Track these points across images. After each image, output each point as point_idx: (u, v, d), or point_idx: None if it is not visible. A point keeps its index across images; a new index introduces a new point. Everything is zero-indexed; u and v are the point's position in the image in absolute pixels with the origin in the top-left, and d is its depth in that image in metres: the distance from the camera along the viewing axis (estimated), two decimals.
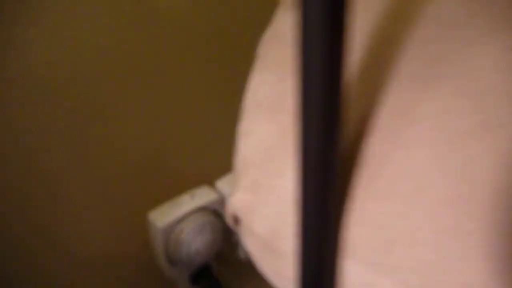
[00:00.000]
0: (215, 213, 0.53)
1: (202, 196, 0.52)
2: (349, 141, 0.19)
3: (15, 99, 0.36)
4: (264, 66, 0.26)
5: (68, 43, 0.37)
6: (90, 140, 0.43)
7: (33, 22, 0.35)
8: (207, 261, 0.54)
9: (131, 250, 0.51)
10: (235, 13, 0.48)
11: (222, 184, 0.55)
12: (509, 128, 0.15)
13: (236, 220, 0.26)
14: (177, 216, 0.49)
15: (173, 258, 0.50)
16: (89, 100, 0.41)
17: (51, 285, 0.45)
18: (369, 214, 0.18)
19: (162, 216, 0.49)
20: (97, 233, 0.47)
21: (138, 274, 0.53)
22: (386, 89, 0.19)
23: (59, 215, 0.43)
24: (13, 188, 0.39)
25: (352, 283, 0.19)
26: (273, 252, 0.23)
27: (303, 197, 0.18)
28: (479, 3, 0.17)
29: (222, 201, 0.53)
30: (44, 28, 0.35)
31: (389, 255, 0.17)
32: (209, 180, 0.55)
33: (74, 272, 0.47)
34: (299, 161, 0.17)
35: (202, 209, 0.51)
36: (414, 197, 0.17)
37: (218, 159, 0.55)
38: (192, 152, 0.52)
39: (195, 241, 0.50)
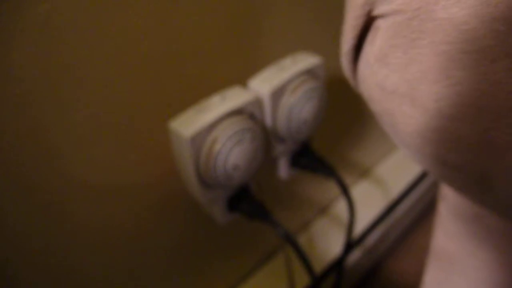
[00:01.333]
0: (253, 117, 0.41)
1: (234, 97, 0.40)
2: None
3: None
4: None
5: None
6: (94, 32, 0.30)
7: None
8: (246, 181, 0.43)
9: (153, 174, 0.40)
10: None
11: (257, 83, 0.43)
12: None
13: (371, 18, 0.13)
14: (207, 122, 0.37)
15: (205, 176, 0.39)
16: None
17: (65, 221, 0.35)
18: None
19: (188, 123, 0.38)
20: (109, 156, 0.36)
21: (163, 205, 0.42)
22: None
23: (64, 137, 0.32)
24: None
25: None
26: (476, 51, 0.11)
27: None
28: None
29: (259, 102, 0.41)
30: None
31: None
32: (240, 81, 0.44)
33: (87, 206, 0.36)
34: None
35: (236, 112, 0.39)
36: None
37: (247, 55, 0.43)
38: (218, 48, 0.40)
39: (232, 153, 0.39)
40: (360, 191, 0.73)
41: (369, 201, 0.71)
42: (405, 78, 0.14)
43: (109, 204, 0.38)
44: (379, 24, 0.14)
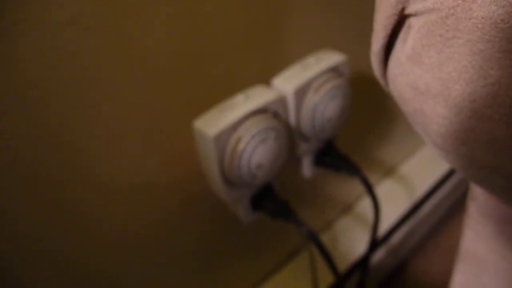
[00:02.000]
0: (276, 116, 0.41)
1: (258, 96, 0.40)
2: None
3: None
4: None
5: None
6: (120, 33, 0.31)
7: None
8: (269, 180, 0.43)
9: (178, 174, 0.40)
10: None
11: (280, 81, 0.43)
12: None
13: (403, 17, 0.13)
14: (231, 121, 0.37)
15: (229, 175, 0.39)
16: None
17: (86, 220, 0.35)
18: None
19: (212, 123, 0.38)
20: (132, 156, 0.36)
21: (187, 204, 0.43)
22: None
23: (89, 138, 0.33)
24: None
25: None
26: None
27: None
28: None
29: (282, 101, 0.41)
30: None
31: None
32: (264, 79, 0.43)
33: (109, 206, 0.37)
34: None
35: (260, 111, 0.39)
36: None
37: (270, 54, 0.43)
38: (242, 47, 0.40)
39: (256, 152, 0.39)
40: (385, 189, 0.72)
41: (394, 199, 0.70)
42: (439, 77, 0.13)
43: (133, 204, 0.38)
44: (412, 23, 0.14)
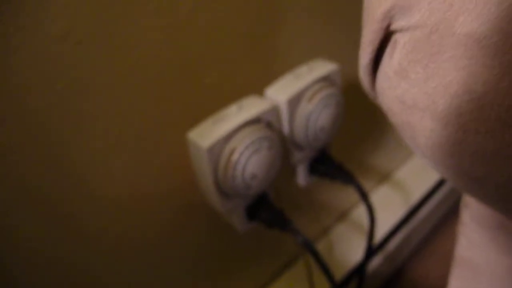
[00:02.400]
0: (270, 126, 0.41)
1: (251, 106, 0.40)
2: None
3: None
4: None
5: None
6: (113, 45, 0.31)
7: None
8: (264, 189, 0.43)
9: (172, 185, 0.40)
10: None
11: (273, 91, 0.43)
12: None
13: (389, 32, 0.13)
14: (224, 133, 0.38)
15: (223, 186, 0.39)
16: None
17: (81, 233, 0.35)
18: None
19: (206, 134, 0.38)
20: (128, 169, 0.36)
21: (182, 215, 0.43)
22: None
23: (83, 150, 0.33)
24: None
25: None
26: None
27: None
28: None
29: (276, 110, 0.41)
30: None
31: None
32: (256, 89, 0.44)
33: (105, 217, 0.37)
34: None
35: (253, 121, 0.39)
36: None
37: (263, 64, 0.43)
38: (234, 58, 0.40)
39: (250, 162, 0.39)
40: (380, 196, 0.72)
41: (389, 206, 0.71)
42: (425, 92, 0.13)
43: (129, 215, 0.38)
44: (398, 38, 0.14)
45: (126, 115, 0.34)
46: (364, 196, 0.48)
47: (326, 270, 0.44)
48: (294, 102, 0.42)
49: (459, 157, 0.14)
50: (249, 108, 0.40)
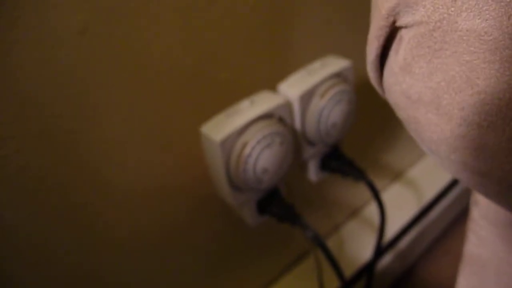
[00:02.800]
0: (282, 121, 0.41)
1: (263, 101, 0.41)
2: None
3: None
4: None
5: None
6: (130, 40, 0.32)
7: None
8: (275, 184, 0.44)
9: (186, 178, 0.41)
10: None
11: (286, 87, 0.44)
12: None
13: (395, 29, 0.14)
14: (237, 127, 0.38)
15: (235, 180, 0.40)
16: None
17: (93, 226, 0.36)
18: None
19: (219, 128, 0.39)
20: (142, 162, 0.37)
21: (195, 208, 0.43)
22: None
23: (97, 142, 0.34)
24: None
25: None
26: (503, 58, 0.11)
27: None
28: None
29: (288, 106, 0.42)
30: None
31: None
32: (270, 85, 0.44)
33: (119, 209, 0.38)
34: None
35: (266, 116, 0.40)
36: None
37: (276, 60, 0.44)
38: (248, 53, 0.40)
39: (261, 157, 0.39)
40: (393, 194, 0.72)
41: (401, 205, 0.70)
42: (429, 87, 0.14)
43: (142, 208, 0.39)
44: (403, 34, 0.14)
45: (141, 108, 0.35)
46: (376, 193, 0.48)
47: (335, 266, 0.44)
48: (306, 98, 0.42)
49: (462, 151, 0.14)
50: (261, 103, 0.40)
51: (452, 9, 0.12)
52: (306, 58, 0.46)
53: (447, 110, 0.14)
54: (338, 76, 0.44)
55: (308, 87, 0.42)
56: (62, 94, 0.30)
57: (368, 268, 0.56)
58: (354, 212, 0.69)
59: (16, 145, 0.29)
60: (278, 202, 0.45)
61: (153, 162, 0.38)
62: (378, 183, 0.71)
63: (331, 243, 0.64)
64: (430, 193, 0.72)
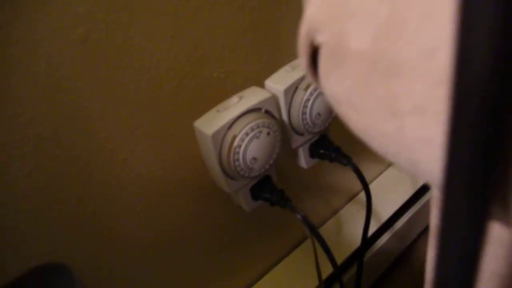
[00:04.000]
0: (269, 114, 0.45)
1: (251, 97, 0.45)
2: None
3: None
4: None
5: None
6: (124, 51, 0.36)
7: None
8: (266, 172, 0.48)
9: (186, 170, 0.46)
10: None
11: (272, 82, 0.47)
12: None
13: (315, 48, 0.18)
14: (226, 121, 0.42)
15: (228, 169, 0.44)
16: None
17: (108, 213, 0.41)
18: None
19: (210, 122, 0.43)
20: (146, 154, 0.42)
21: (194, 192, 0.48)
22: None
23: (101, 139, 0.38)
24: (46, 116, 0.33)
25: None
26: (384, 74, 0.15)
27: None
28: None
29: (274, 99, 0.46)
30: None
31: None
32: (258, 82, 0.48)
33: (127, 197, 0.42)
34: None
35: (253, 110, 0.44)
36: None
37: (264, 58, 0.47)
38: (235, 53, 0.44)
39: (250, 147, 0.43)
40: (390, 177, 0.75)
41: (398, 186, 0.74)
42: (342, 91, 0.18)
43: (146, 202, 0.44)
44: (320, 50, 0.18)
45: (144, 104, 0.39)
46: (361, 176, 0.52)
47: (327, 250, 0.48)
48: (291, 91, 0.46)
49: (371, 139, 0.18)
50: (249, 98, 0.44)
51: (344, 36, 0.16)
52: (291, 55, 0.50)
53: (354, 107, 0.18)
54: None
55: (292, 82, 0.46)
56: (68, 98, 0.35)
57: (357, 257, 0.60)
58: (352, 197, 0.73)
59: (27, 147, 0.34)
60: (269, 188, 0.49)
61: (156, 154, 0.42)
62: (376, 167, 0.74)
63: (328, 227, 0.68)
64: None
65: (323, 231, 0.67)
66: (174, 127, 0.43)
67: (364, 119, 0.18)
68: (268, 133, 0.44)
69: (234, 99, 0.45)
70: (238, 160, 0.43)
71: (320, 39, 0.18)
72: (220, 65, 0.44)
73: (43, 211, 0.36)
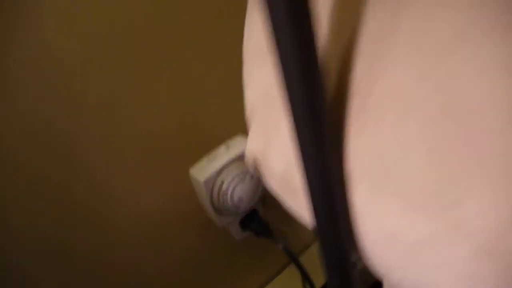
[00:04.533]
0: None
1: (236, 146, 0.53)
2: (335, 74, 0.19)
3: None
4: (253, 14, 0.25)
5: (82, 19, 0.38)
6: (130, 114, 0.44)
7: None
8: (252, 206, 0.56)
9: (183, 205, 0.54)
10: None
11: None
12: (491, 32, 0.14)
13: (256, 165, 0.27)
14: (215, 169, 0.50)
15: (219, 208, 0.52)
16: (120, 75, 0.42)
17: (109, 238, 0.49)
18: (364, 143, 0.18)
19: (202, 171, 0.51)
20: (148, 191, 0.50)
21: (192, 227, 0.56)
22: (366, 12, 0.18)
23: (113, 169, 0.46)
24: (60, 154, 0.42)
25: (362, 210, 0.19)
26: (292, 190, 0.24)
27: (299, 138, 0.18)
28: None
29: None
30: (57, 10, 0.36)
31: (390, 177, 0.17)
32: (243, 128, 0.56)
33: (131, 226, 0.50)
34: (288, 106, 0.17)
35: (238, 158, 0.52)
36: (403, 118, 0.16)
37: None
38: (222, 105, 0.53)
39: (236, 190, 0.51)
40: None
41: None
42: (273, 183, 0.26)
43: (148, 233, 0.52)
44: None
45: (142, 159, 0.48)
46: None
47: (306, 277, 0.56)
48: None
49: (286, 195, 0.27)
50: (234, 147, 0.53)
51: (267, 163, 0.25)
52: None
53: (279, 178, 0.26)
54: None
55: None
56: (71, 126, 0.43)
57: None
58: None
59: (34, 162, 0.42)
60: (256, 221, 0.57)
61: (157, 192, 0.51)
62: None
63: (314, 252, 0.75)
64: None
65: (309, 254, 0.74)
66: (171, 172, 0.51)
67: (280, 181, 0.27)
68: (252, 177, 0.53)
69: (222, 148, 0.53)
70: (226, 200, 0.52)
71: (256, 157, 0.26)
72: (209, 119, 0.52)
73: (48, 253, 0.45)
